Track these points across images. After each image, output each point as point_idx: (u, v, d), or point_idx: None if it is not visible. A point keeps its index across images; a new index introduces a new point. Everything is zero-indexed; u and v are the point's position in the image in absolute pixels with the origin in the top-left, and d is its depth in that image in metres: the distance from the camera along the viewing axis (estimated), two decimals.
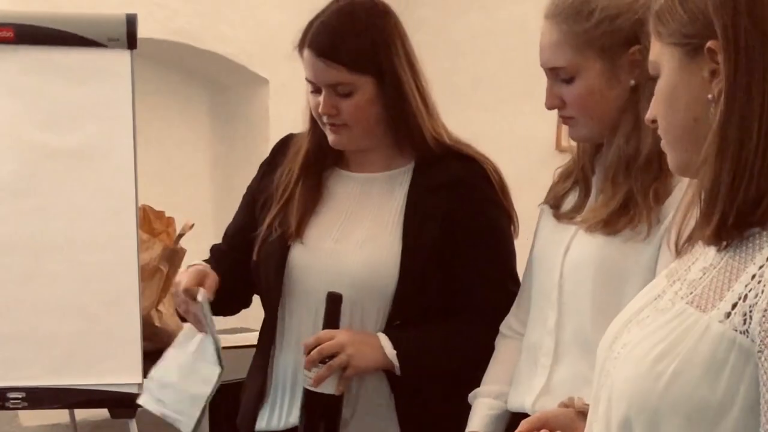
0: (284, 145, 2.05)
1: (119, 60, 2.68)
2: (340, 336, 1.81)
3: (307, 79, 1.89)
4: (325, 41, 1.82)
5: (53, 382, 2.62)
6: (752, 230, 1.08)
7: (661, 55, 1.14)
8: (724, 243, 1.10)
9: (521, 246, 1.98)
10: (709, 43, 1.07)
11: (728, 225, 1.07)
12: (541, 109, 4.15)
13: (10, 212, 2.65)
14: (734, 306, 1.05)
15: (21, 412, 3.11)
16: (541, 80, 4.00)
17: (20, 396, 2.62)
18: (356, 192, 1.95)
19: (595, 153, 1.83)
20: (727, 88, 1.06)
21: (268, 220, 1.95)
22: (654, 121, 1.17)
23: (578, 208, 1.80)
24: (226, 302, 2.01)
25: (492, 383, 1.89)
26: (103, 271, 2.56)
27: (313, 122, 1.94)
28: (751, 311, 1.03)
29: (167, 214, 3.16)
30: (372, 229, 1.90)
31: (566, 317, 1.76)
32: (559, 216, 1.82)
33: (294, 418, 1.93)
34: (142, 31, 2.72)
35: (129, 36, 2.66)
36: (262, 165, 2.08)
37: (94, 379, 2.64)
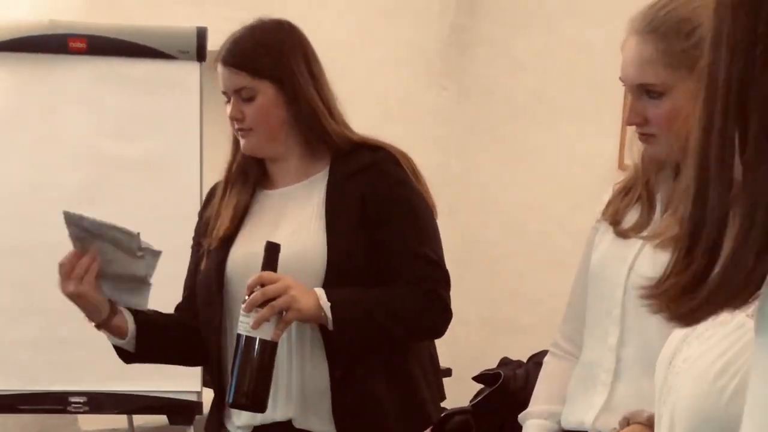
0: (213, 190, 2.18)
1: (189, 72, 2.73)
2: (284, 278, 1.86)
3: (222, 92, 2.04)
4: (231, 51, 2.01)
5: (114, 387, 2.66)
6: None
7: None
8: None
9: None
10: None
11: None
12: (603, 128, 4.15)
13: None
14: None
15: (81, 416, 3.15)
16: (604, 99, 3.99)
17: (82, 400, 2.66)
18: (277, 205, 2.07)
19: (660, 169, 1.81)
20: None
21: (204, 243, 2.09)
22: None
23: (642, 224, 1.78)
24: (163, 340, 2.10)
25: (542, 403, 1.89)
26: (166, 280, 2.59)
27: (235, 142, 2.09)
28: None
29: None
30: (296, 225, 2.01)
31: (629, 334, 1.74)
32: (621, 232, 1.80)
33: (253, 418, 1.99)
34: (212, 44, 2.76)
35: (199, 48, 2.71)
36: (198, 214, 2.21)
37: (154, 385, 2.68)
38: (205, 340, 2.08)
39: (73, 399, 2.65)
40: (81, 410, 2.67)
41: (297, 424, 1.98)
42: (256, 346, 1.85)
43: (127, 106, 2.73)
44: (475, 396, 2.95)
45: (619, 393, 1.75)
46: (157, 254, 1.94)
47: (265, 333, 1.85)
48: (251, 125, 2.00)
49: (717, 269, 0.80)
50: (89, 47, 2.73)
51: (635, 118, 1.72)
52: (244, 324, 1.86)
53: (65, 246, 2.71)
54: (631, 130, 1.81)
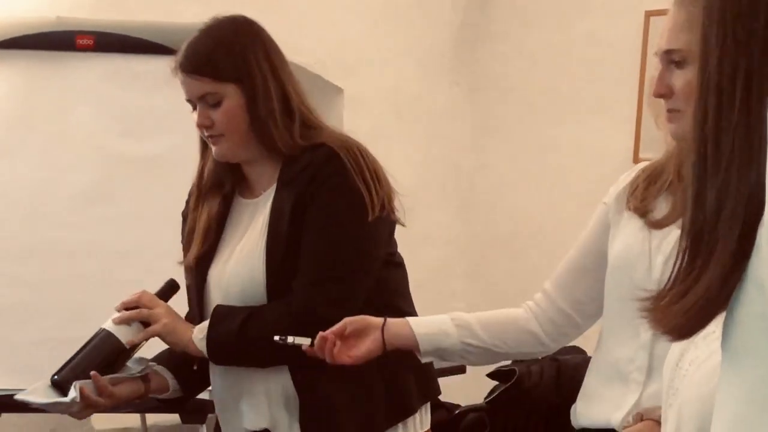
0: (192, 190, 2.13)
1: None
2: (160, 309, 1.96)
3: (187, 101, 1.97)
4: (190, 58, 1.92)
5: None
6: None
7: None
8: None
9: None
10: None
11: None
12: (618, 123, 4.11)
13: (87, 219, 2.69)
14: None
15: (93, 415, 3.14)
16: (618, 93, 3.95)
17: None
18: (249, 215, 2.00)
19: None
20: None
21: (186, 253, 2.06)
22: None
23: (676, 213, 1.72)
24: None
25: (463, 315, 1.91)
26: (179, 279, 2.58)
27: (204, 145, 2.03)
28: None
29: None
30: (246, 247, 1.95)
31: None
32: (653, 222, 1.74)
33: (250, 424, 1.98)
34: None
35: None
36: (182, 214, 2.15)
37: None
38: None
39: None
40: None
41: None
42: (101, 335, 1.94)
43: (135, 103, 2.71)
44: (490, 393, 2.93)
45: (651, 392, 1.71)
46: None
47: (124, 335, 1.94)
48: (221, 131, 1.93)
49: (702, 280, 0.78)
50: (97, 44, 2.71)
51: (661, 88, 1.66)
52: (110, 321, 1.95)
53: (76, 245, 2.70)
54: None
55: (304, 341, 1.81)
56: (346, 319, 1.82)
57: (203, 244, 1.99)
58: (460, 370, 3.18)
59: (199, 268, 2.00)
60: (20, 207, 2.76)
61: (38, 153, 2.77)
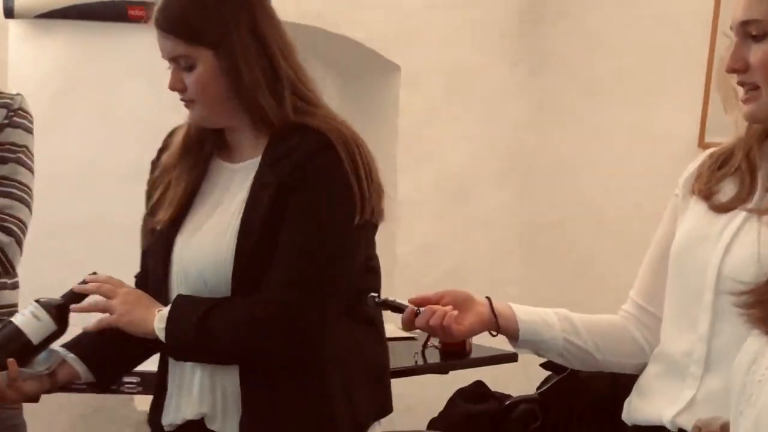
0: (168, 138, 1.99)
1: None
2: (117, 299, 1.83)
3: (163, 58, 1.84)
4: (165, 15, 1.80)
5: None
6: None
7: None
8: None
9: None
10: None
11: None
12: (683, 105, 3.99)
13: (136, 195, 2.64)
14: None
15: (136, 396, 3.13)
16: (684, 74, 3.82)
17: (135, 381, 2.63)
18: (224, 183, 1.87)
19: (765, 137, 1.66)
20: None
21: (151, 211, 1.92)
22: None
23: (741, 197, 1.64)
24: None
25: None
26: None
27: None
28: None
29: None
30: (218, 223, 1.82)
31: (722, 322, 1.60)
32: (717, 206, 1.66)
33: (188, 412, 1.85)
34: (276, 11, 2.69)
35: None
36: (152, 163, 2.02)
37: None
38: None
39: (126, 380, 2.62)
40: (134, 390, 2.64)
41: (209, 424, 1.83)
42: (8, 328, 1.82)
43: None
44: (542, 383, 2.86)
45: (708, 387, 1.63)
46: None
47: (30, 329, 1.82)
48: (192, 97, 1.80)
49: None
50: (148, 15, 2.66)
51: (736, 62, 1.58)
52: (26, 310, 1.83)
53: (123, 221, 2.66)
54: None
55: (404, 303, 1.70)
56: (446, 290, 1.72)
57: (179, 206, 1.86)
58: (511, 358, 3.10)
59: (168, 233, 1.86)
60: (68, 182, 2.74)
61: (86, 127, 2.74)
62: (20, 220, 2.13)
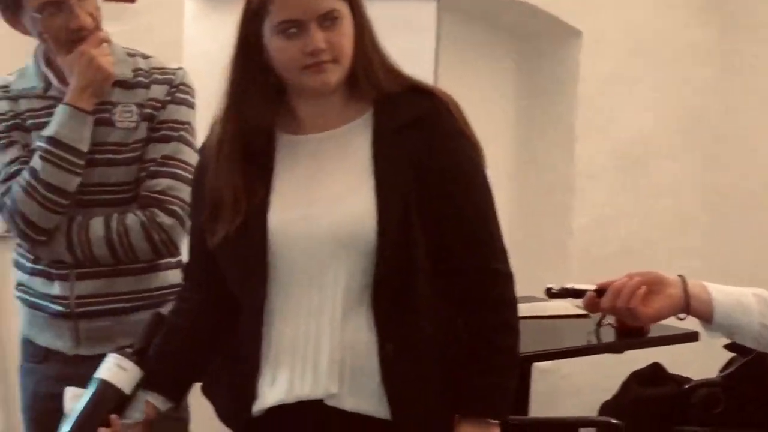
0: (202, 159, 1.87)
1: (425, 11, 2.64)
2: None
3: (284, 23, 1.71)
4: None
5: None
6: None
7: None
8: None
9: None
10: None
11: None
12: None
13: None
14: None
15: None
16: None
17: None
18: (312, 153, 1.78)
19: None
20: None
21: (223, 217, 1.78)
22: None
23: None
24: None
25: None
26: None
27: (235, 100, 1.77)
28: None
29: None
30: (342, 184, 1.75)
31: None
32: None
33: (302, 389, 1.75)
34: None
35: None
36: (192, 189, 1.93)
37: None
38: (236, 321, 1.85)
39: None
40: None
41: (334, 403, 1.74)
42: (99, 387, 1.82)
43: None
44: (726, 366, 2.74)
45: None
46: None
47: (118, 379, 1.83)
48: (336, 55, 1.72)
49: None
50: None
51: None
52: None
53: None
54: None
55: (583, 287, 1.68)
56: (634, 273, 1.65)
57: (260, 189, 1.76)
58: (692, 337, 2.97)
59: (257, 220, 1.76)
60: None
61: None
62: (184, 201, 2.12)
